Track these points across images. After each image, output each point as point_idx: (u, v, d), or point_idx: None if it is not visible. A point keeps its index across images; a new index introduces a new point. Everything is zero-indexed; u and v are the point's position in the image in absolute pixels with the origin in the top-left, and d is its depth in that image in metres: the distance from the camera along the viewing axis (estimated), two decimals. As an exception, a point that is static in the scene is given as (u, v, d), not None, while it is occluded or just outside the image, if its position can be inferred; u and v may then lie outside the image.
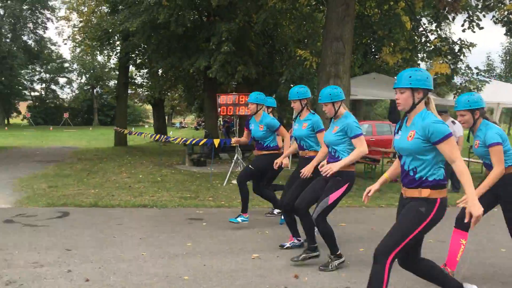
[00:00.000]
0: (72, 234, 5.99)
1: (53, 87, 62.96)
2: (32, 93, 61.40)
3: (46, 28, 56.57)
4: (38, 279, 4.30)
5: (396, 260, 3.20)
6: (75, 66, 61.84)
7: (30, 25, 55.06)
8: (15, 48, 52.23)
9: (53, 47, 59.13)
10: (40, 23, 55.09)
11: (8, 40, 52.66)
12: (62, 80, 63.24)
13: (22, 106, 60.21)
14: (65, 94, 68.39)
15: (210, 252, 5.31)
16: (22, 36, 54.71)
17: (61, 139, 28.27)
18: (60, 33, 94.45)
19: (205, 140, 12.15)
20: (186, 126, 65.75)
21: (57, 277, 4.38)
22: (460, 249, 4.34)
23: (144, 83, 26.66)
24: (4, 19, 52.31)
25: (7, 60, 50.20)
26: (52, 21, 55.38)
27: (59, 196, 8.61)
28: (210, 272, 4.62)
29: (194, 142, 12.04)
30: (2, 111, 54.01)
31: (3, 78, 50.49)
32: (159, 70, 20.25)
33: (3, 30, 52.09)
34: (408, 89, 3.22)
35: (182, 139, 12.64)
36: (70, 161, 15.10)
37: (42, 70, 60.60)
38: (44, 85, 62.45)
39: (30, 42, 55.89)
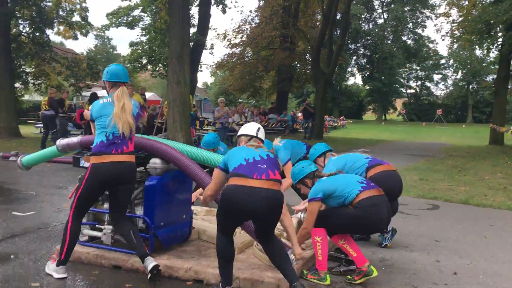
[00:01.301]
0: (441, 227, 6.06)
1: (427, 84, 64.36)
2: (408, 91, 64.45)
3: (425, 26, 58.29)
4: (408, 262, 4.57)
5: None
6: (451, 62, 61.32)
7: (410, 25, 57.96)
8: (395, 48, 56.14)
9: (430, 45, 60.44)
10: (419, 22, 57.29)
11: (389, 42, 57.11)
12: (436, 77, 63.92)
13: (398, 103, 64.15)
14: (439, 90, 68.61)
15: None
16: (402, 37, 58.20)
17: (433, 135, 28.66)
18: (439, 30, 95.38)
19: None
20: None
21: (426, 264, 4.54)
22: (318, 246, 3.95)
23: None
24: (387, 22, 56.95)
25: (387, 60, 54.55)
26: (431, 18, 56.55)
27: (429, 189, 8.81)
28: None
29: None
30: (381, 107, 59.13)
31: (383, 77, 55.19)
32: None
33: (385, 33, 56.85)
34: None
35: None
36: (441, 156, 15.16)
37: (418, 68, 62.83)
38: (419, 82, 64.58)
39: (409, 41, 58.87)
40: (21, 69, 19.40)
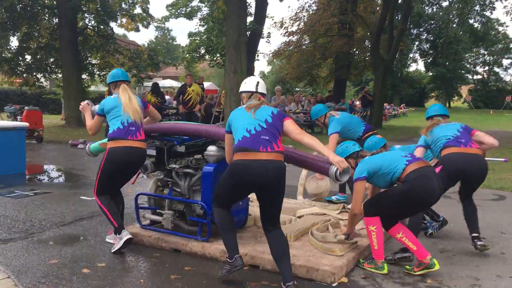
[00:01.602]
0: (507, 218, 5.80)
1: (496, 69, 61.03)
2: (475, 77, 61.46)
3: (493, 8, 55.09)
4: (471, 254, 4.41)
5: None
6: (523, 45, 57.78)
7: (477, 7, 54.97)
8: (461, 32, 53.57)
9: (499, 28, 57.19)
10: (487, 4, 54.18)
11: (454, 25, 54.54)
12: (506, 62, 60.43)
13: (464, 90, 61.32)
14: (509, 76, 65.10)
15: None
16: (469, 20, 55.38)
17: (501, 123, 27.19)
18: (509, 12, 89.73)
19: None
20: None
21: (490, 256, 4.38)
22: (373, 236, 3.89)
23: None
24: (452, 4, 54.37)
25: (452, 45, 52.16)
26: (500, 0, 53.35)
27: (496, 179, 8.41)
28: None
29: None
30: (445, 94, 56.78)
31: (447, 63, 52.90)
32: None
33: (450, 16, 54.33)
34: None
35: None
36: (509, 145, 14.37)
37: (486, 53, 59.67)
38: (486, 67, 61.36)
39: (476, 25, 55.96)
40: (87, 61, 20.33)
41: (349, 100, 28.93)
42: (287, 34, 26.99)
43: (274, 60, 34.67)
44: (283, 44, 27.29)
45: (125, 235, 4.20)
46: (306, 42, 27.53)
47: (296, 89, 37.81)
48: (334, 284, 3.63)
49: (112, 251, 4.23)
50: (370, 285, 3.64)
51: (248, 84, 3.91)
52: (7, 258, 4.08)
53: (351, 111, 24.68)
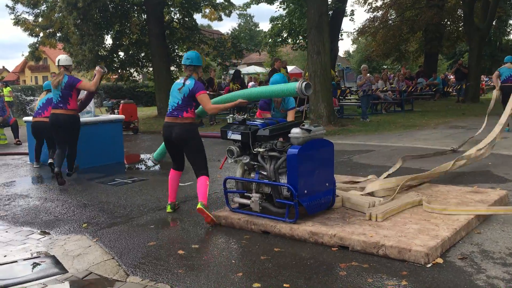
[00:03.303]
0: None
1: None
2: None
3: None
4: None
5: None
6: None
7: None
8: None
9: None
10: None
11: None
12: None
13: None
14: None
15: None
16: None
17: None
18: None
19: None
20: None
21: None
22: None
23: None
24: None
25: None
26: None
27: None
28: None
29: None
30: None
31: None
32: None
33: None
34: None
35: None
36: None
37: None
38: None
39: None
40: (175, 53, 21.15)
41: (441, 75, 27.30)
42: (371, 10, 26.10)
43: (359, 38, 33.69)
44: (367, 20, 26.44)
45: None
46: (392, 17, 26.41)
47: (384, 66, 36.42)
48: (429, 265, 3.48)
49: None
50: (468, 266, 3.45)
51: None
52: (111, 240, 4.41)
53: (443, 86, 23.34)
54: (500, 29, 46.94)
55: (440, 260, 3.55)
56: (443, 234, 3.85)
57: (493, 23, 24.23)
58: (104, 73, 7.20)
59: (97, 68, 7.14)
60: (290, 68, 26.16)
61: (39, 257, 4.11)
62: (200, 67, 5.16)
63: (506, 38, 53.68)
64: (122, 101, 14.36)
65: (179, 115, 4.92)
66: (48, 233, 4.75)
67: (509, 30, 53.03)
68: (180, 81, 5.06)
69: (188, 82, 4.95)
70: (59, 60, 7.08)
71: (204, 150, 5.07)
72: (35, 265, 3.96)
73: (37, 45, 20.18)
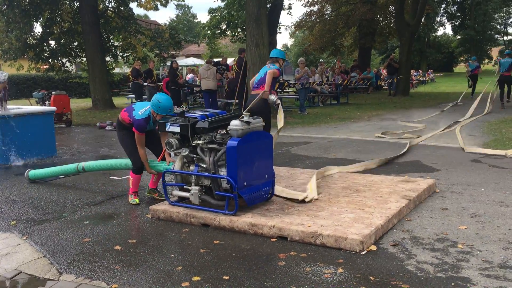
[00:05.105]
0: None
1: (528, 28, 58.59)
2: (505, 38, 59.18)
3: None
4: (502, 217, 4.32)
5: None
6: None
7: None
8: (489, -8, 51.35)
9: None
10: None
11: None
12: (539, 20, 57.77)
13: (494, 52, 59.18)
14: (542, 35, 62.08)
15: None
16: (498, -22, 52.99)
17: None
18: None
19: None
20: None
21: (523, 220, 4.27)
22: None
23: None
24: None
25: (481, 5, 50.14)
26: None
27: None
28: None
29: None
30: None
31: (476, 25, 51.01)
32: None
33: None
34: None
35: None
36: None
37: (517, 12, 57.26)
38: (518, 27, 58.95)
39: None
40: (110, 43, 20.45)
41: (374, 69, 28.32)
42: (308, 4, 26.51)
43: (297, 32, 34.18)
44: (304, 15, 26.87)
45: None
46: (328, 12, 27.01)
47: (320, 60, 37.23)
48: (363, 253, 3.61)
49: None
50: (399, 252, 3.61)
51: None
52: (42, 238, 4.21)
53: (376, 80, 24.23)
54: (428, 26, 49.40)
55: (374, 247, 3.70)
56: (377, 222, 4.00)
57: (422, 20, 25.38)
58: None
59: None
60: (230, 60, 26.07)
61: (-38, 258, 3.85)
62: None
63: (433, 34, 56.60)
64: (53, 92, 13.69)
65: None
66: (-28, 233, 4.46)
67: (436, 27, 55.99)
68: None
69: None
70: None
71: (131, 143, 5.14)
72: (-43, 267, 3.70)
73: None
